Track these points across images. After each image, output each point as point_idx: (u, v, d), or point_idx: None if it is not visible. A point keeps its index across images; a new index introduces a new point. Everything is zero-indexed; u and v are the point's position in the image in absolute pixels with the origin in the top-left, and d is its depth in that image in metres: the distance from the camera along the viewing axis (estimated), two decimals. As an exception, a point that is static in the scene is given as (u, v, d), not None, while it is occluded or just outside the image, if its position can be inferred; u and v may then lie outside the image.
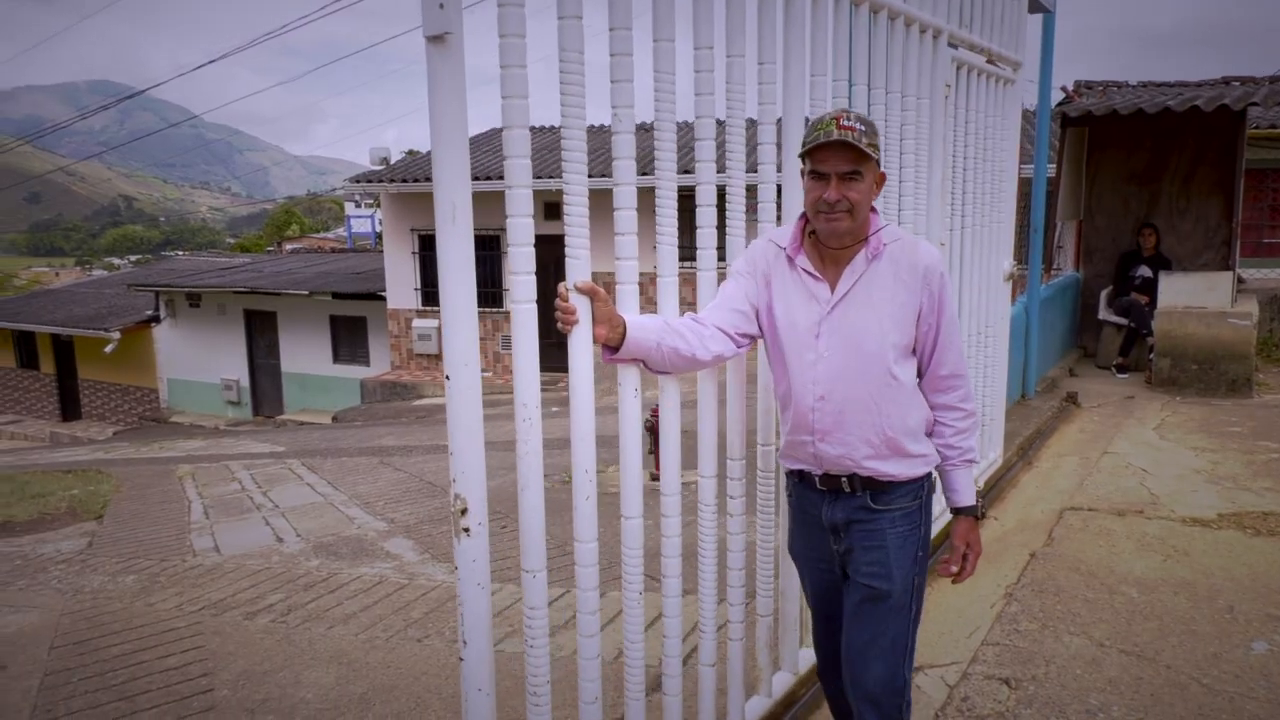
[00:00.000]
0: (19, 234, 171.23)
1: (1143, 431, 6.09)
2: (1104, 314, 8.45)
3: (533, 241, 1.86)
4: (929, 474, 2.18)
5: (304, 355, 17.47)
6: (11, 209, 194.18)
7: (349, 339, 16.72)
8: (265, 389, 18.14)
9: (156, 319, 18.94)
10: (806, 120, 2.58)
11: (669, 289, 2.27)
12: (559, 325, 2.01)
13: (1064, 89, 9.05)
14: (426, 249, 15.02)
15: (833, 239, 2.04)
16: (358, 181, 16.08)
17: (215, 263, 23.57)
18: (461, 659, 1.92)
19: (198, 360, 18.53)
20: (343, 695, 3.33)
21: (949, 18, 3.50)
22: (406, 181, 14.87)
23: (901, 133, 3.19)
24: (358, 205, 34.86)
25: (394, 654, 3.66)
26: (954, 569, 2.22)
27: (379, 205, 18.18)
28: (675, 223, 2.20)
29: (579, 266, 1.99)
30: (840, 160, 1.96)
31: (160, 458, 11.56)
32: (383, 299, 15.78)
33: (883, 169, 2.06)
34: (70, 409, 20.42)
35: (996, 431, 4.97)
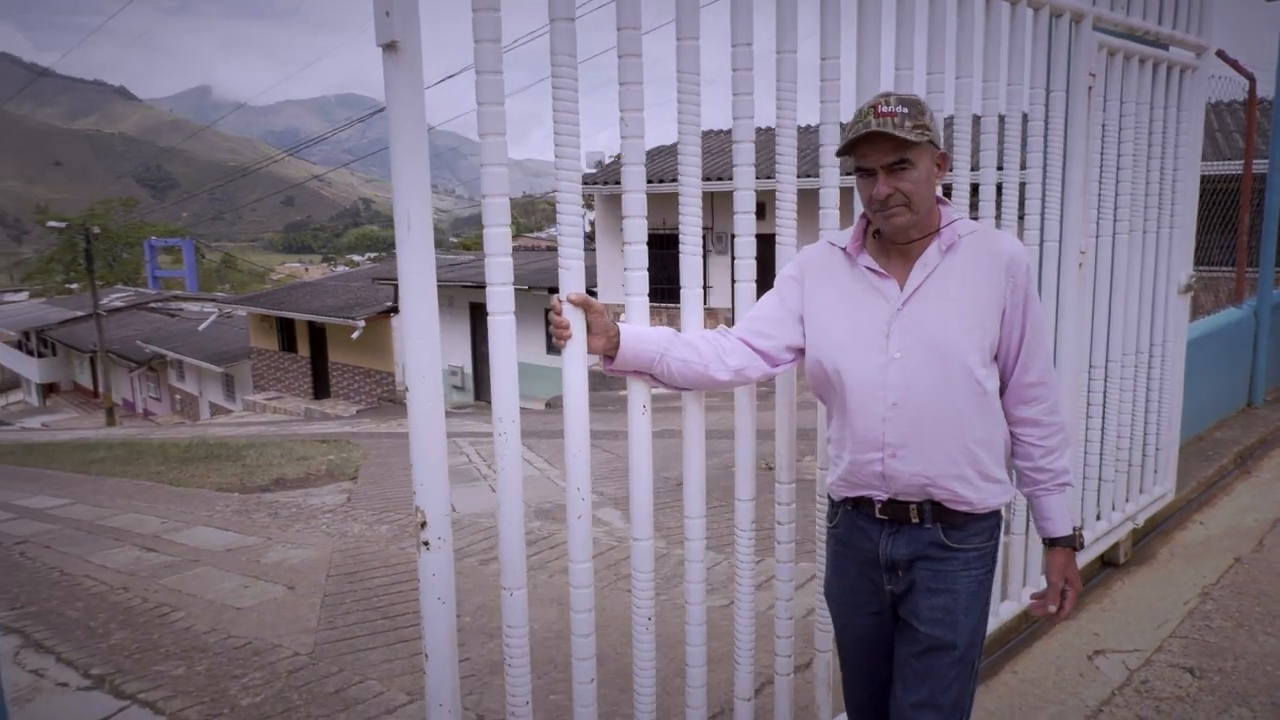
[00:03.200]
0: (275, 233, 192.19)
1: (1389, 447, 5.63)
2: (1357, 321, 7.73)
3: (510, 251, 1.83)
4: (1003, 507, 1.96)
5: (520, 345, 18.62)
6: (270, 211, 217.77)
7: (561, 332, 17.77)
8: (485, 376, 19.49)
9: (394, 310, 20.91)
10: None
11: (693, 301, 2.20)
12: (555, 339, 1.99)
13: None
14: (634, 247, 15.82)
15: (899, 234, 1.84)
16: (574, 184, 17.16)
17: (443, 259, 25.58)
18: (425, 672, 1.82)
19: (428, 348, 20.30)
20: (563, 629, 3.84)
21: None
22: (619, 184, 15.74)
23: (1027, 129, 2.90)
24: (569, 206, 36.43)
25: (605, 600, 4.15)
26: (1051, 608, 1.96)
27: (590, 206, 19.08)
28: (700, 236, 2.15)
29: (571, 278, 1.92)
30: (882, 152, 1.77)
31: (398, 433, 12.93)
32: (593, 295, 16.66)
33: (942, 148, 1.83)
34: (321, 388, 22.97)
35: (1167, 463, 4.32)
